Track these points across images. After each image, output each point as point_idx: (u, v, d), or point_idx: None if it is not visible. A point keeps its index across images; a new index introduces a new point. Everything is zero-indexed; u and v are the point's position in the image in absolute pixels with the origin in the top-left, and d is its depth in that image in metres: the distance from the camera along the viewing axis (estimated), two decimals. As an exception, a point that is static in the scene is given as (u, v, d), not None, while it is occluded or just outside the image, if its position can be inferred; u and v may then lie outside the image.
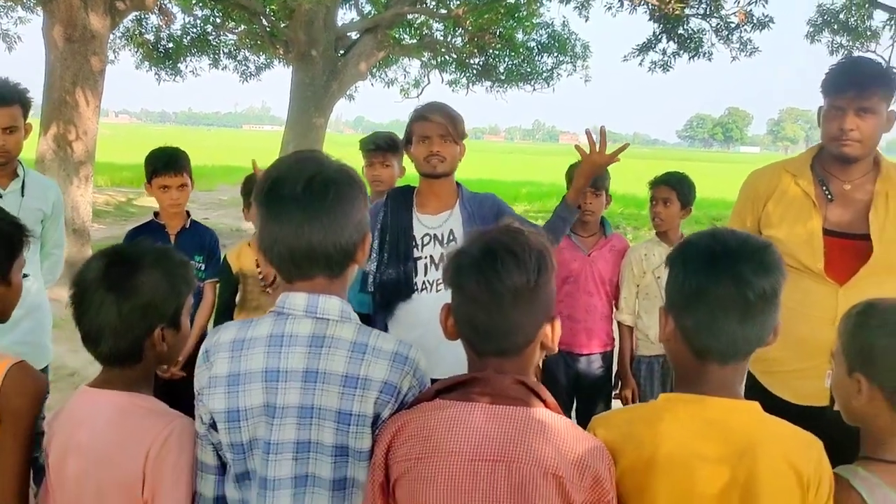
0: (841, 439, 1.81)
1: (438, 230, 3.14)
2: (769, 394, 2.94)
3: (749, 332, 1.59)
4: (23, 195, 3.35)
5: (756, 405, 1.62)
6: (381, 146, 4.12)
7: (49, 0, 7.57)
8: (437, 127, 3.04)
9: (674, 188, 4.02)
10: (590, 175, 3.15)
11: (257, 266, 3.68)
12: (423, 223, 3.15)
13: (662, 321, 1.68)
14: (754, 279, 1.55)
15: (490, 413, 1.52)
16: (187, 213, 3.86)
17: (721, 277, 1.57)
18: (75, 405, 1.81)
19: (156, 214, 3.87)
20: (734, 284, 1.55)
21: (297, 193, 1.63)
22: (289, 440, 1.61)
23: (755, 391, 3.01)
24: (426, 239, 3.13)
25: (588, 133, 3.14)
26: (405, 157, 4.28)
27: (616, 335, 4.14)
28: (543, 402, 1.57)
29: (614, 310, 4.13)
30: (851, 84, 2.75)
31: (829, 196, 2.90)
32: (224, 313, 3.71)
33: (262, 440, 1.62)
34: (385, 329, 3.05)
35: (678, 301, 1.64)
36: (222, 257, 3.82)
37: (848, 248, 2.83)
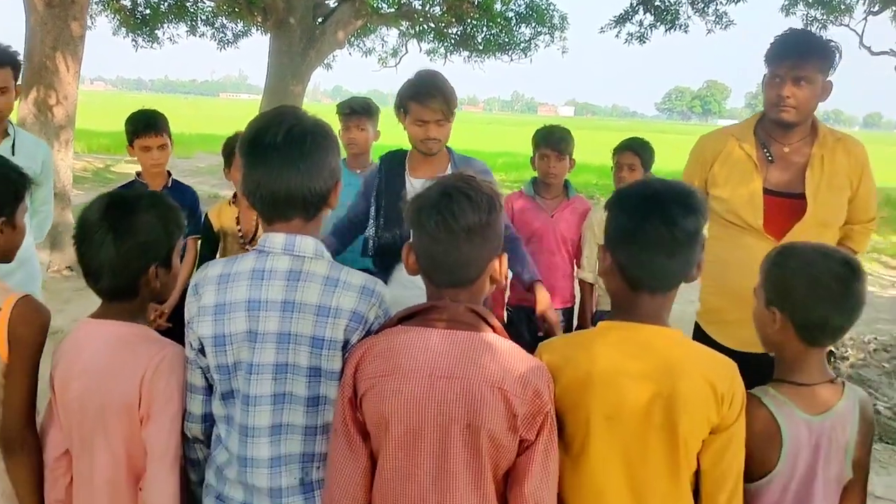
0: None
1: None
2: (713, 342, 3.17)
3: (675, 267, 1.82)
4: (13, 154, 3.49)
5: (679, 332, 1.86)
6: (356, 110, 4.29)
7: (28, -36, 7.62)
8: (435, 113, 3.16)
9: (637, 154, 4.25)
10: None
11: (237, 224, 3.86)
12: (416, 187, 3.25)
13: (601, 256, 1.91)
14: (680, 219, 1.78)
15: (445, 336, 1.74)
16: (168, 172, 4.01)
17: (651, 218, 1.79)
18: (78, 334, 2.01)
19: (138, 174, 4.02)
20: (663, 224, 1.77)
21: (277, 142, 1.83)
22: (269, 362, 1.82)
23: (701, 339, 3.24)
24: None
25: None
26: (380, 121, 4.47)
27: (577, 292, 4.38)
28: (491, 327, 1.79)
29: (576, 268, 4.36)
30: (789, 54, 2.96)
31: (770, 158, 3.11)
32: (207, 268, 3.89)
33: (245, 362, 1.83)
34: None
35: (615, 239, 1.86)
36: (203, 215, 3.99)
37: (786, 207, 3.06)
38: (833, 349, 3.18)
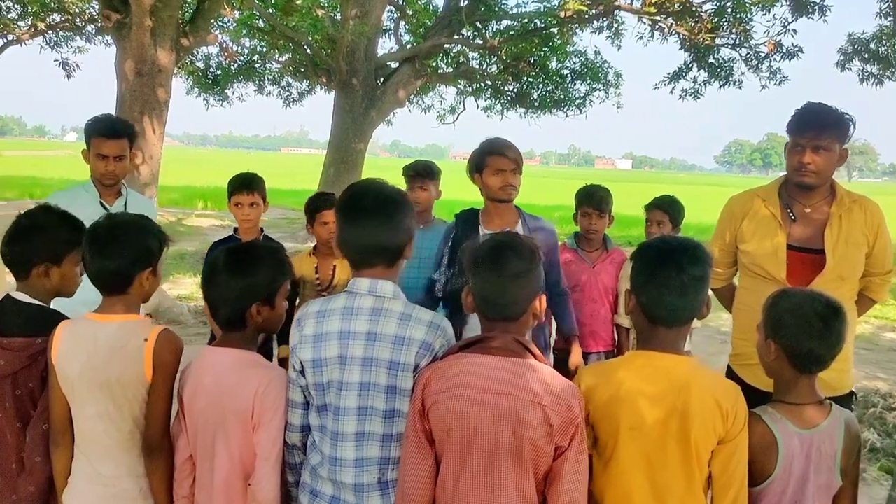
0: None
1: None
2: (744, 383, 3.49)
3: (686, 305, 2.25)
4: (126, 211, 4.04)
5: (693, 359, 2.28)
6: (420, 173, 4.78)
7: (122, 37, 8.41)
8: (511, 162, 3.70)
9: (666, 211, 4.65)
10: None
11: (315, 272, 4.34)
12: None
13: (627, 299, 2.36)
14: (688, 267, 2.22)
15: (497, 361, 2.18)
16: (261, 229, 4.51)
17: (666, 266, 2.24)
18: (202, 359, 2.51)
19: (235, 230, 4.54)
20: (675, 271, 2.22)
21: (367, 206, 2.35)
22: (355, 381, 2.29)
23: (733, 381, 3.57)
24: None
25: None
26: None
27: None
28: (534, 355, 2.23)
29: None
30: (810, 126, 3.32)
31: (793, 217, 3.46)
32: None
33: (336, 381, 2.31)
34: (459, 336, 3.69)
35: (637, 283, 2.32)
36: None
37: (807, 261, 3.39)
38: (854, 391, 3.51)
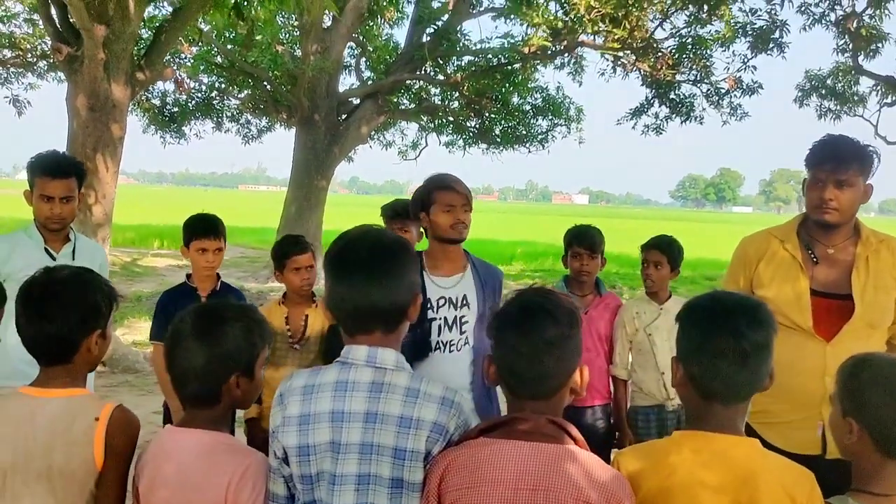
0: (834, 485, 2.06)
1: (452, 292, 3.38)
2: (766, 443, 3.17)
3: (746, 377, 1.88)
4: (73, 258, 3.62)
5: (756, 441, 1.91)
6: (399, 213, 4.43)
7: (73, 71, 7.97)
8: (461, 197, 3.33)
9: (664, 252, 4.32)
10: None
11: (286, 324, 3.94)
12: (437, 284, 3.36)
13: (674, 369, 1.97)
14: (749, 332, 1.85)
15: (529, 448, 1.79)
16: (217, 275, 4.11)
17: (721, 331, 1.86)
18: (162, 442, 2.08)
19: (188, 276, 4.12)
20: (732, 337, 1.85)
21: (361, 259, 1.94)
22: (351, 473, 1.87)
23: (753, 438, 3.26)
24: (441, 301, 3.36)
25: None
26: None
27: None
28: (573, 438, 1.84)
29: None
30: (830, 159, 3.04)
31: (815, 259, 3.17)
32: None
33: (328, 472, 1.88)
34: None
35: (686, 352, 1.94)
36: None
37: (833, 308, 3.10)
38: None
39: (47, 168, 3.55)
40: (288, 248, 3.96)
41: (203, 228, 3.94)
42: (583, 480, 1.73)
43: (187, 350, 2.03)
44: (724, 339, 1.85)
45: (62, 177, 3.54)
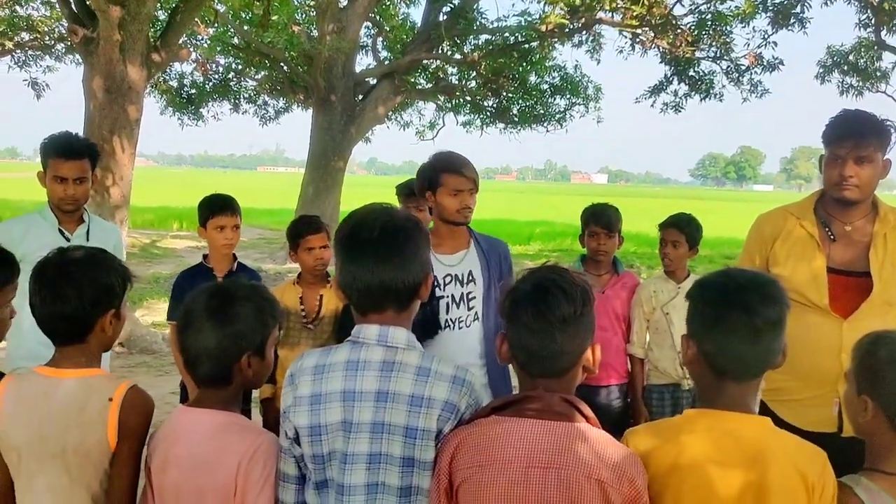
0: (850, 462, 2.04)
1: (457, 269, 3.37)
2: (781, 421, 3.15)
3: (759, 354, 1.86)
4: (87, 239, 3.63)
5: (767, 420, 1.88)
6: (414, 192, 4.39)
7: (90, 53, 7.97)
8: (469, 182, 3.30)
9: (682, 231, 4.28)
10: None
11: (300, 304, 3.95)
12: (442, 262, 3.34)
13: (685, 347, 1.95)
14: (761, 308, 1.83)
15: (540, 426, 1.78)
16: (234, 256, 4.12)
17: (733, 308, 1.84)
18: (174, 422, 2.09)
19: (205, 257, 4.13)
20: (744, 313, 1.82)
21: (372, 238, 1.93)
22: (363, 452, 1.87)
23: (767, 416, 3.23)
24: (447, 279, 3.35)
25: None
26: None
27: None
28: (585, 417, 1.83)
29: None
30: (850, 135, 2.99)
31: (832, 237, 3.13)
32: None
33: (339, 452, 1.88)
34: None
35: (698, 329, 1.91)
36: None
37: (850, 285, 3.06)
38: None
39: (60, 149, 3.55)
40: (301, 229, 3.96)
41: (220, 205, 3.95)
42: (594, 459, 1.72)
43: (199, 330, 2.03)
44: (737, 316, 1.83)
45: (75, 158, 3.54)
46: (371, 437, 1.87)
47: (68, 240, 3.59)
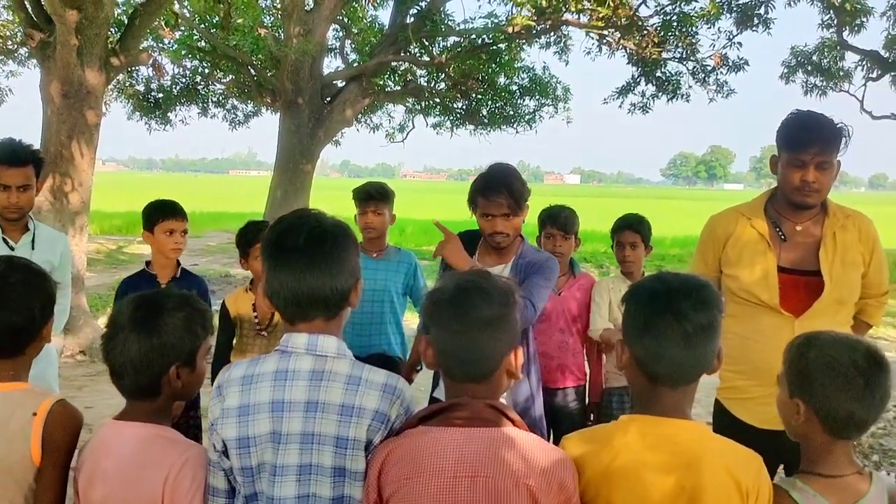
0: (799, 459, 2.04)
1: None
2: (735, 419, 3.16)
3: (691, 360, 1.83)
4: (33, 248, 3.57)
5: (702, 425, 1.86)
6: (373, 195, 4.37)
7: (46, 57, 7.84)
8: (500, 207, 3.20)
9: (637, 231, 4.29)
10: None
11: (253, 310, 3.89)
12: None
13: (619, 351, 1.92)
14: (692, 313, 1.80)
15: (467, 435, 1.75)
16: (177, 262, 4.05)
17: (664, 313, 1.81)
18: (102, 436, 2.03)
19: (147, 264, 4.06)
20: (675, 319, 1.80)
21: (299, 245, 1.88)
22: (293, 464, 1.83)
23: (723, 416, 3.23)
24: None
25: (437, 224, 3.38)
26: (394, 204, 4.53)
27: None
28: (512, 421, 1.80)
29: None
30: (815, 141, 2.97)
31: (783, 236, 3.14)
32: (222, 356, 3.89)
33: (269, 464, 1.84)
34: None
35: (630, 334, 1.88)
36: (221, 303, 4.02)
37: (801, 284, 3.08)
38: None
39: (3, 156, 3.48)
40: (250, 236, 3.89)
41: (170, 209, 3.92)
42: (522, 465, 1.70)
43: (123, 341, 1.98)
44: (668, 321, 1.80)
45: (18, 165, 3.47)
46: (301, 448, 1.82)
47: (13, 249, 3.52)
